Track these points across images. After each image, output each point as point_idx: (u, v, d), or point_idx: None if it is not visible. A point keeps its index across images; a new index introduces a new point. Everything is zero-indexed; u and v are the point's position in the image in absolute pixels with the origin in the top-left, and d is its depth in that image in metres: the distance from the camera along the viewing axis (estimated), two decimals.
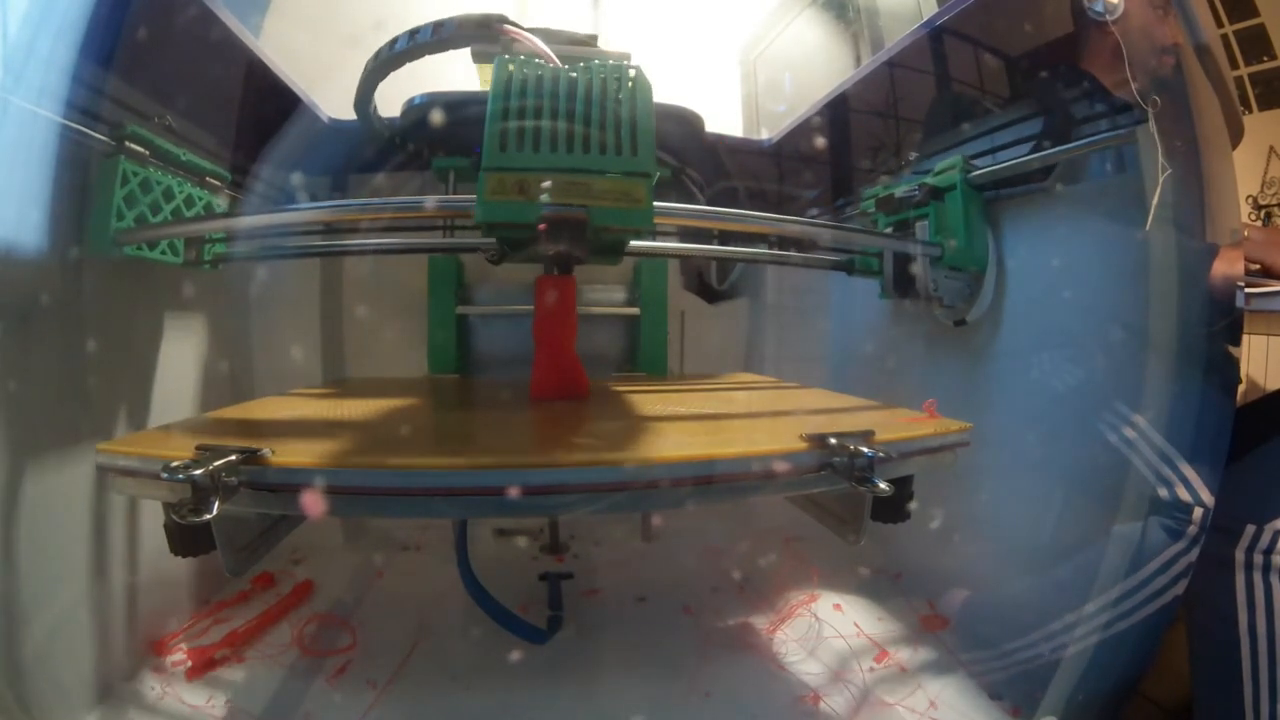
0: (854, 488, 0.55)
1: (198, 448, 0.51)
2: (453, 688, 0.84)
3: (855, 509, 0.67)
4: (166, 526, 0.53)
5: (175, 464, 0.47)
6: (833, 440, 0.57)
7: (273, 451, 0.51)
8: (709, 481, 0.54)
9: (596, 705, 0.83)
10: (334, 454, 0.55)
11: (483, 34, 0.76)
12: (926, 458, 0.65)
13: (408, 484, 0.52)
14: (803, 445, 0.58)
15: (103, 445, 0.56)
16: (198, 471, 0.46)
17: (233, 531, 0.57)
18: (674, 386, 1.14)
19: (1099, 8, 0.74)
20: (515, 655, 0.88)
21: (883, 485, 0.53)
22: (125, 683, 0.80)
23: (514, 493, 0.51)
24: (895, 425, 0.69)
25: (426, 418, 0.83)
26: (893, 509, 0.60)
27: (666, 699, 0.83)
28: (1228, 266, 0.68)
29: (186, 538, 0.53)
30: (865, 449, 0.54)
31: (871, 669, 0.89)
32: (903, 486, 0.64)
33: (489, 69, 0.70)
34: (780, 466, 0.56)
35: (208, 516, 0.46)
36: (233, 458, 0.49)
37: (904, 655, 0.92)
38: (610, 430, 0.71)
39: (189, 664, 0.84)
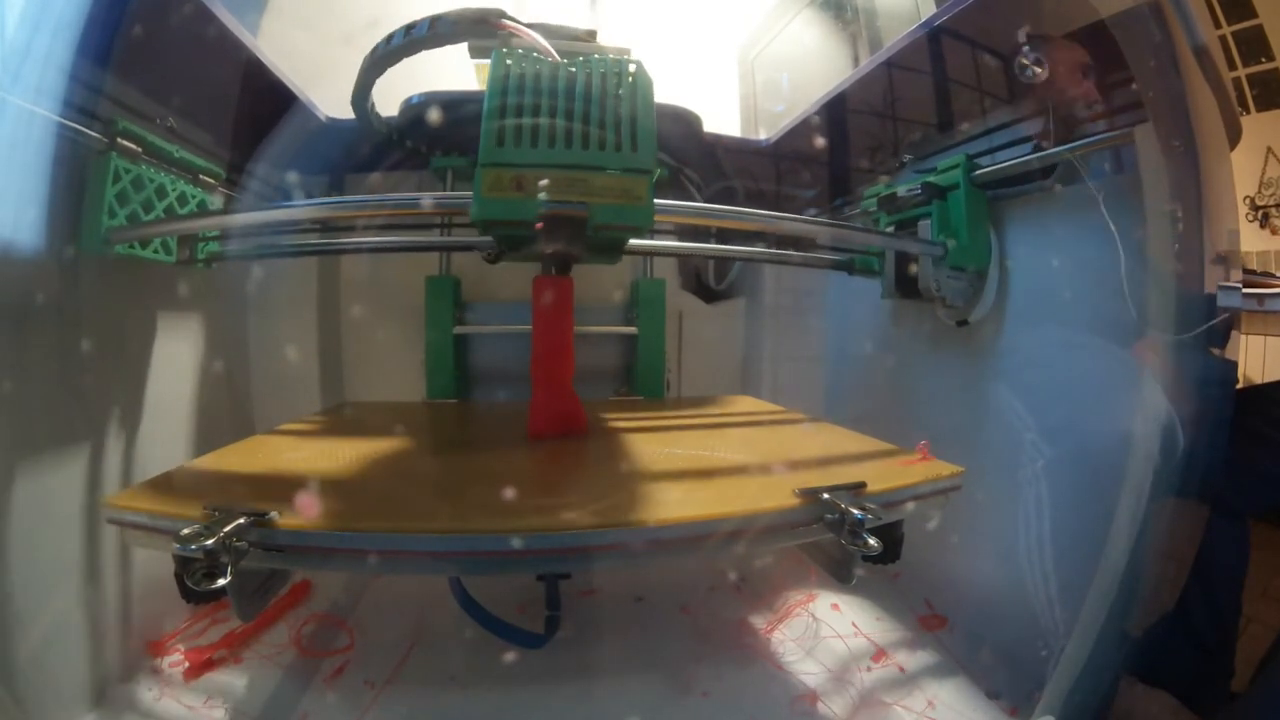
0: (846, 544, 0.56)
1: (206, 509, 0.52)
2: (450, 688, 0.84)
3: (847, 551, 0.68)
4: (177, 576, 0.52)
5: (186, 532, 0.48)
6: (826, 496, 0.59)
7: (280, 514, 0.52)
8: (706, 539, 0.57)
9: (594, 705, 0.83)
10: (339, 513, 0.56)
11: (480, 29, 0.75)
12: (917, 504, 0.67)
13: (412, 547, 0.54)
14: (797, 502, 0.60)
15: (112, 499, 0.57)
16: (209, 542, 0.47)
17: (242, 581, 0.56)
18: (671, 418, 1.14)
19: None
20: (512, 656, 0.88)
21: (872, 542, 0.55)
22: (123, 683, 0.80)
23: (514, 546, 0.53)
24: (888, 470, 0.70)
25: (426, 465, 0.83)
26: (883, 555, 0.60)
27: (664, 699, 0.83)
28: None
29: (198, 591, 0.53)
30: (856, 511, 0.56)
31: (869, 669, 0.89)
32: (893, 530, 0.65)
33: (486, 65, 0.69)
34: (775, 524, 0.59)
35: (221, 582, 0.48)
36: (241, 521, 0.50)
37: (902, 655, 0.92)
38: (608, 484, 0.70)
39: (186, 665, 0.84)
